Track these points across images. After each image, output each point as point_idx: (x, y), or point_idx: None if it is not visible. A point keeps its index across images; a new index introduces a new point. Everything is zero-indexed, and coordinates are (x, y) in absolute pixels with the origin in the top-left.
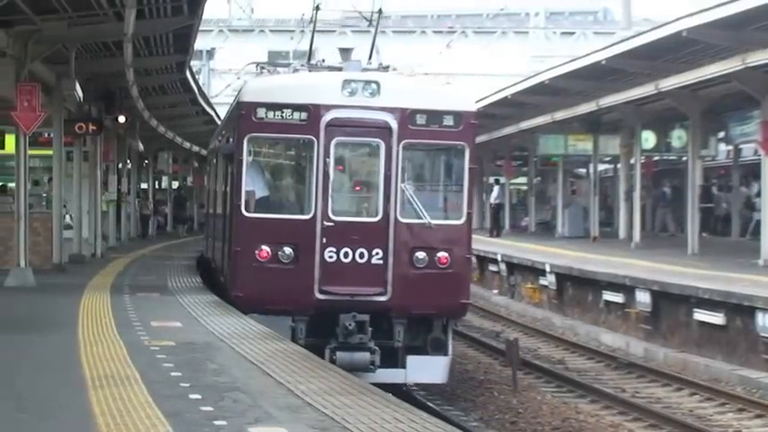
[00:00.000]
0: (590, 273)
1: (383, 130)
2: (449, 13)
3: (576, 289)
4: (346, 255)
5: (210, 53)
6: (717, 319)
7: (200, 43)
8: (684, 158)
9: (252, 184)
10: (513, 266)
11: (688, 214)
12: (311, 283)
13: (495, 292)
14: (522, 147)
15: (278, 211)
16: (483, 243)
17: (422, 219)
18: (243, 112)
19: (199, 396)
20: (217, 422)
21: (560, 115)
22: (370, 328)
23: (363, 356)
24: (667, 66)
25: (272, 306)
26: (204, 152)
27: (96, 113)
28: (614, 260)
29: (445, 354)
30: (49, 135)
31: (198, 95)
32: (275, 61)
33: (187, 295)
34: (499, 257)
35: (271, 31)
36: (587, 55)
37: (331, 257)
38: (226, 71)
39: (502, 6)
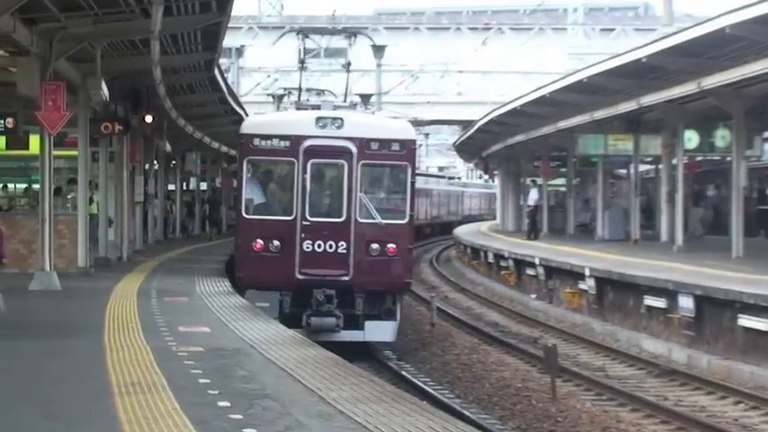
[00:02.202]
0: (630, 277)
1: (346, 154)
2: (484, 9)
3: (617, 293)
4: (319, 246)
5: (240, 51)
6: (762, 324)
7: (229, 41)
8: (729, 159)
9: (250, 194)
10: (552, 270)
11: (732, 217)
12: (293, 267)
13: (533, 296)
14: (560, 147)
15: (269, 214)
16: (520, 246)
17: (375, 219)
18: (243, 141)
19: (228, 403)
20: (246, 430)
21: (600, 114)
22: (336, 300)
23: (331, 321)
24: (710, 63)
25: (264, 284)
26: (233, 152)
27: (122, 113)
28: (656, 264)
29: (394, 319)
30: (73, 135)
31: (227, 94)
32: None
33: (216, 300)
34: (537, 261)
35: (301, 28)
36: (627, 52)
37: (308, 248)
38: (255, 69)
39: (539, 2)
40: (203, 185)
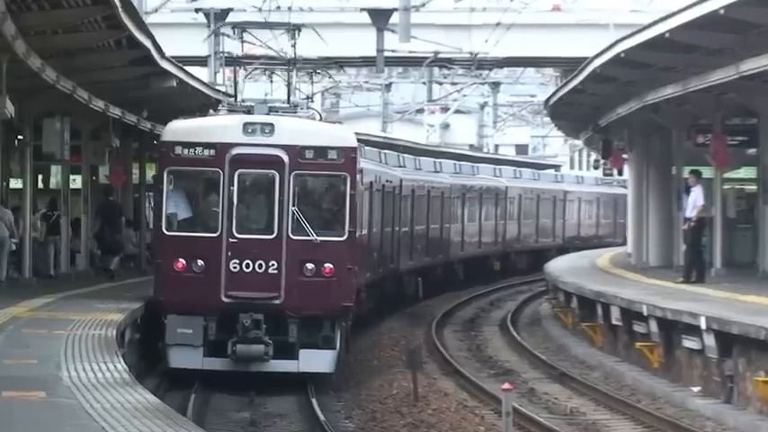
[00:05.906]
0: None
1: (277, 164)
2: None
3: None
4: (248, 266)
5: None
6: None
7: None
8: None
9: (172, 208)
10: (731, 341)
11: None
12: (218, 289)
13: (697, 389)
14: (745, 108)
15: (192, 230)
16: (671, 296)
17: (309, 236)
18: (163, 149)
19: None
20: None
21: None
22: (265, 326)
23: (258, 348)
24: None
25: (187, 308)
26: (132, 119)
27: None
28: None
29: (333, 348)
30: None
31: (120, 11)
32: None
33: (100, 396)
34: (703, 324)
35: None
36: None
37: (235, 268)
38: None
39: None
40: (76, 180)
